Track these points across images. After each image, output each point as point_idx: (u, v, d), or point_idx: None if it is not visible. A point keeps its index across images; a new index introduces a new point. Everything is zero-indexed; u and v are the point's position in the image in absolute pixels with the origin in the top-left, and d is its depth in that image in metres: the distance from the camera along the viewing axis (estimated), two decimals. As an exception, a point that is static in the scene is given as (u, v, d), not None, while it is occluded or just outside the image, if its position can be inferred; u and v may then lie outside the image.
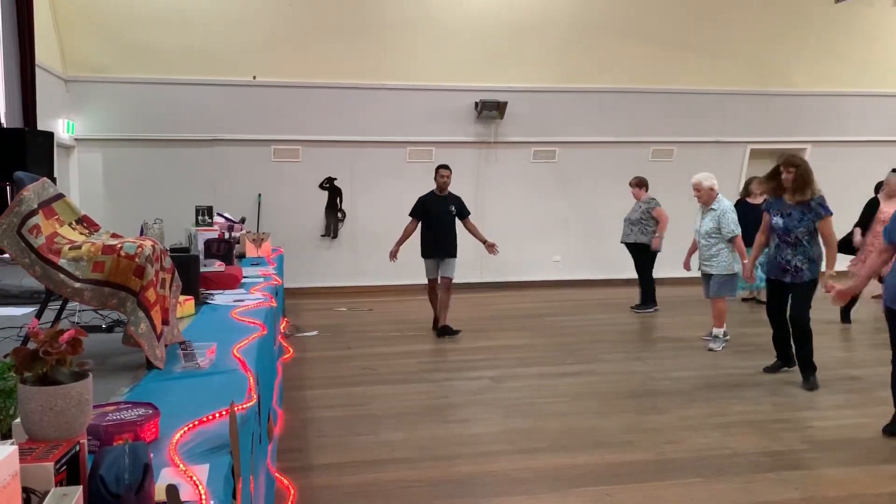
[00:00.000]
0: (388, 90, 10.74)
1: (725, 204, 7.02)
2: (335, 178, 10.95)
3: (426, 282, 8.03)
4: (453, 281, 7.87)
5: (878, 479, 3.95)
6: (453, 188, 10.85)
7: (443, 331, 7.72)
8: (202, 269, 4.56)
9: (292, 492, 3.53)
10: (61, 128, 9.50)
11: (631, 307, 9.27)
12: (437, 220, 7.77)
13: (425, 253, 7.87)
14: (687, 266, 7.67)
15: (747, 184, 9.52)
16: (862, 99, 12.02)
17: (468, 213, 7.95)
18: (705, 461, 4.17)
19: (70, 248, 2.64)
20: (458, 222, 7.89)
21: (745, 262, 6.57)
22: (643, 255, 9.09)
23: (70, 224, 2.86)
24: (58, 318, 2.97)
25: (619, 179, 11.12)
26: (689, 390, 5.60)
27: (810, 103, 11.94)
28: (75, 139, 10.03)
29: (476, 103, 10.93)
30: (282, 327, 6.94)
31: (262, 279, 5.20)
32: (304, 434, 4.66)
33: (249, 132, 10.51)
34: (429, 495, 3.76)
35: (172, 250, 5.29)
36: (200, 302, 4.03)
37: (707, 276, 7.07)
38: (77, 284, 2.60)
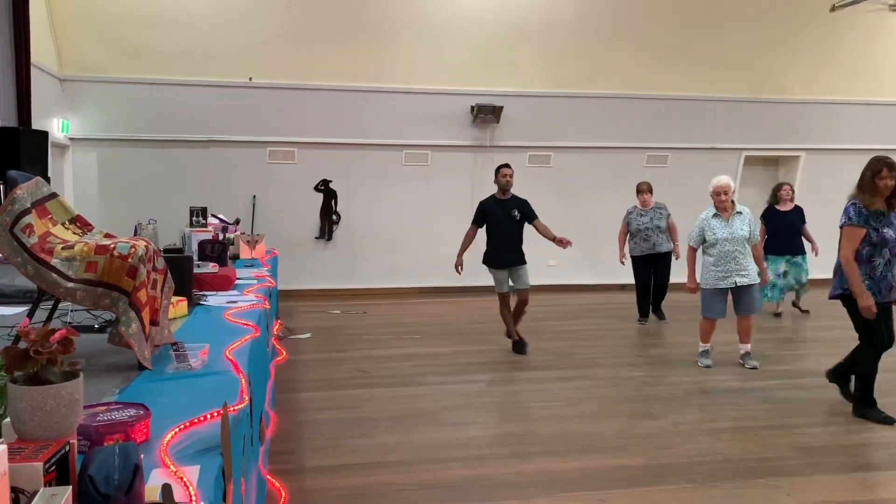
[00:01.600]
0: (385, 93, 10.74)
1: (746, 208, 6.64)
2: (330, 181, 10.94)
3: (497, 294, 7.17)
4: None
5: (868, 484, 3.96)
6: (450, 190, 10.79)
7: (520, 346, 7.09)
8: (196, 271, 4.56)
9: (284, 494, 3.52)
10: (56, 127, 9.48)
11: (658, 318, 8.96)
12: (499, 226, 7.06)
13: (490, 262, 7.18)
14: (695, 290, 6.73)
15: (776, 190, 9.16)
16: (856, 107, 12.07)
17: (535, 216, 7.08)
18: (697, 467, 4.17)
19: (63, 248, 2.63)
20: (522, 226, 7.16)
21: (765, 266, 6.37)
22: (668, 263, 8.81)
23: (63, 223, 2.86)
24: (49, 318, 2.97)
25: (614, 184, 11.16)
26: (683, 396, 5.61)
27: (805, 111, 11.99)
28: (70, 139, 10.00)
29: (472, 107, 10.95)
30: (275, 329, 6.93)
31: (255, 281, 5.19)
32: (297, 436, 4.65)
33: (245, 133, 10.50)
34: (422, 499, 3.75)
35: (166, 251, 5.30)
36: (193, 303, 4.03)
37: (738, 289, 6.44)
38: (69, 284, 2.59)
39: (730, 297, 6.58)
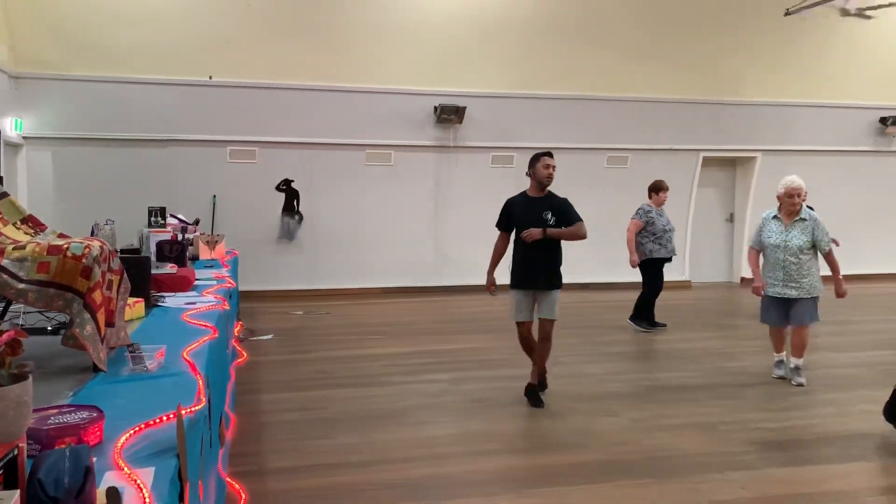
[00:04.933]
0: (348, 92, 10.70)
1: (814, 213, 5.98)
2: (292, 180, 10.86)
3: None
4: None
5: (821, 477, 4.06)
6: (413, 190, 10.61)
7: (534, 390, 5.49)
8: (153, 271, 4.49)
9: (244, 496, 3.49)
10: (9, 126, 9.26)
11: (658, 325, 8.40)
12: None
13: (513, 281, 5.57)
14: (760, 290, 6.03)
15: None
16: (810, 109, 12.36)
17: (578, 219, 5.48)
18: (655, 462, 4.24)
19: (14, 248, 2.58)
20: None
21: (840, 277, 5.84)
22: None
23: (14, 224, 2.80)
24: None
25: (576, 185, 11.21)
26: (641, 392, 5.69)
27: (761, 113, 12.24)
28: (24, 137, 9.77)
29: (435, 107, 10.97)
30: (236, 331, 6.86)
31: (215, 282, 5.14)
32: (258, 438, 4.62)
33: (205, 132, 10.37)
34: (384, 498, 3.75)
35: (123, 251, 5.20)
36: (151, 304, 3.97)
37: (789, 301, 5.90)
38: (21, 285, 2.53)
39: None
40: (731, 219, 12.90)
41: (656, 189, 8.39)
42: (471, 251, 11.40)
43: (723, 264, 12.93)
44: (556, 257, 5.49)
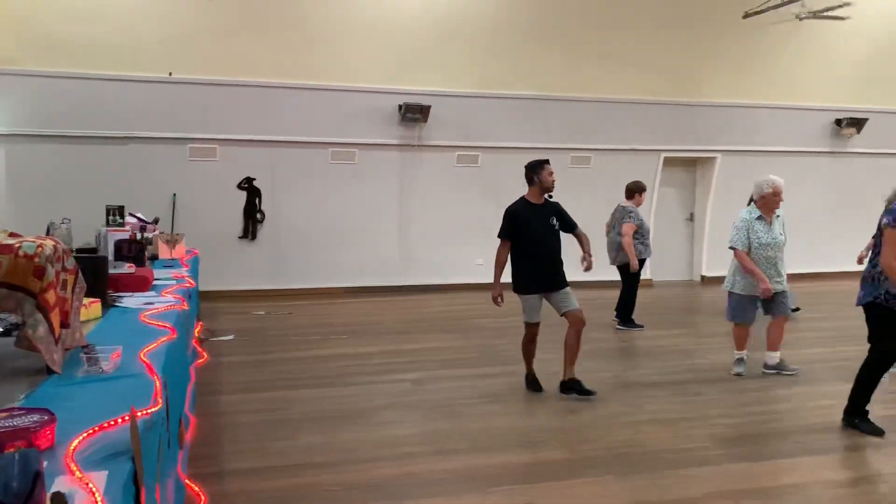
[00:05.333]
0: (311, 90, 10.60)
1: (781, 211, 6.24)
2: (254, 179, 10.73)
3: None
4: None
5: (777, 471, 4.14)
6: (378, 188, 10.55)
7: (571, 387, 5.55)
8: (111, 271, 4.41)
9: (203, 498, 3.44)
10: (-40, 122, 9.00)
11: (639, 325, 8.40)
12: (535, 238, 5.59)
13: (525, 287, 5.63)
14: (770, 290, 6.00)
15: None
16: (769, 111, 12.59)
17: (576, 223, 5.83)
18: (618, 459, 4.28)
19: (-38, 247, 2.50)
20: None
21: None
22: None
23: (-37, 222, 2.71)
24: (-51, 322, 2.81)
25: (539, 184, 11.32)
26: (604, 390, 5.72)
27: (721, 114, 12.43)
28: (-24, 134, 9.51)
29: (400, 106, 10.93)
30: (196, 331, 6.75)
31: (174, 281, 5.06)
32: (218, 440, 4.55)
33: (165, 130, 10.19)
34: (348, 499, 3.73)
35: (79, 251, 5.10)
36: (108, 305, 3.89)
37: (774, 294, 6.04)
38: (-30, 285, 2.46)
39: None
40: (691, 218, 13.08)
41: (639, 190, 8.43)
42: (436, 250, 11.42)
43: (683, 263, 13.11)
44: (560, 258, 5.71)
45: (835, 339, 7.59)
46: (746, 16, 11.18)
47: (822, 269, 12.55)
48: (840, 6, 10.89)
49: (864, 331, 4.78)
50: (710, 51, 11.92)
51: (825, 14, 11.25)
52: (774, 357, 6.26)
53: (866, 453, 4.44)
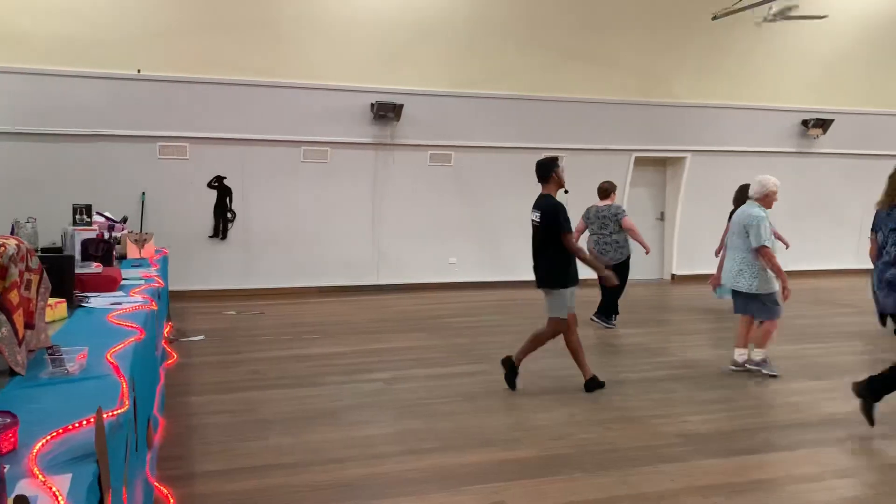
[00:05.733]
0: (283, 88, 10.53)
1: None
2: (224, 177, 10.63)
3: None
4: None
5: (745, 467, 4.20)
6: (350, 187, 10.46)
7: (597, 382, 5.77)
8: (78, 271, 4.34)
9: (172, 500, 3.40)
10: (-79, 118, 8.79)
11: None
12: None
13: (572, 278, 5.76)
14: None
15: (743, 190, 7.71)
16: (737, 111, 12.76)
17: (564, 229, 5.64)
18: (588, 456, 4.31)
19: (-78, 247, 2.45)
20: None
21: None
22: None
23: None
24: None
25: (513, 184, 11.34)
26: (574, 388, 5.77)
27: (691, 114, 12.58)
28: (-63, 131, 9.30)
29: (372, 104, 10.89)
30: (165, 332, 6.68)
31: (143, 281, 4.99)
32: (187, 441, 4.50)
33: (133, 128, 10.05)
34: (317, 499, 3.72)
35: (44, 250, 5.02)
36: (74, 305, 3.83)
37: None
38: (-71, 286, 2.41)
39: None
40: (661, 217, 13.22)
41: (614, 190, 8.63)
42: (408, 250, 11.41)
43: (654, 262, 13.22)
44: (544, 256, 5.75)
45: (801, 337, 7.72)
46: (715, 17, 11.33)
47: (786, 268, 12.70)
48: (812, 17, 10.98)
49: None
50: (679, 52, 12.07)
51: (795, 15, 11.44)
52: (762, 353, 6.25)
53: (833, 449, 4.52)
